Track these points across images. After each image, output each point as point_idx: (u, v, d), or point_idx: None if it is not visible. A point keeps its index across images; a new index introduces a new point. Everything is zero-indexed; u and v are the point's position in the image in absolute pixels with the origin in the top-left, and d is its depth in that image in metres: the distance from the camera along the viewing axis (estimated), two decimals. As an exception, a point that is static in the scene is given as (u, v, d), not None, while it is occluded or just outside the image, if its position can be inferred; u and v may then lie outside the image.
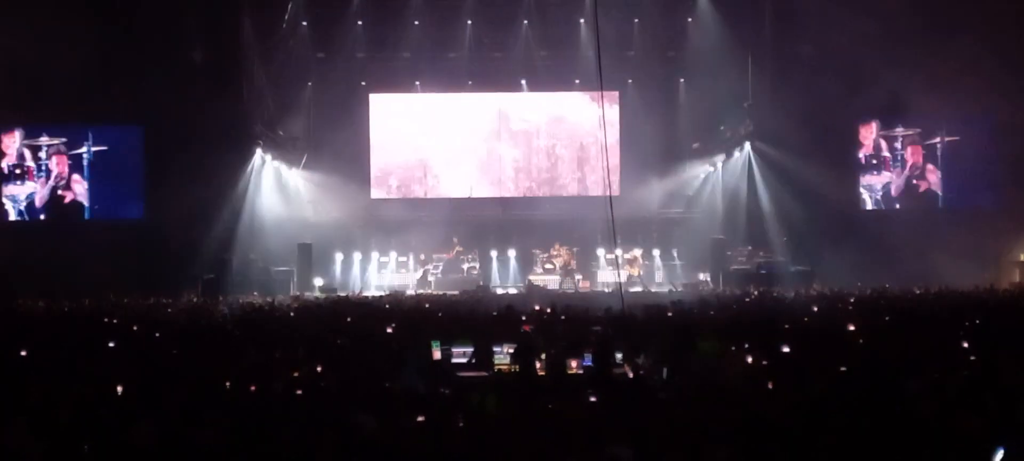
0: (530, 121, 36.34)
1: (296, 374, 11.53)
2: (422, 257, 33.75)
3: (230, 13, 32.06)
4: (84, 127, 32.97)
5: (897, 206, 33.82)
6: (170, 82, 29.70)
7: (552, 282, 32.25)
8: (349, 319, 18.33)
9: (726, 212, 34.79)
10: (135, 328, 17.19)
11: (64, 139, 33.03)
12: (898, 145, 33.83)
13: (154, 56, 30.17)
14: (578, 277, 32.71)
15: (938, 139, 33.74)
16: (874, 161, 33.88)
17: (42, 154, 32.99)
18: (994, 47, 29.55)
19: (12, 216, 32.95)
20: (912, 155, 33.76)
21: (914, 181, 33.79)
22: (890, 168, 33.81)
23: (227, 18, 31.98)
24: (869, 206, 33.95)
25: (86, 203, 33.06)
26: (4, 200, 32.94)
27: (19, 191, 32.94)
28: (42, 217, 32.90)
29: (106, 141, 33.11)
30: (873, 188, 33.96)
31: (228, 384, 10.72)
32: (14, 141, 32.97)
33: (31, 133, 33.05)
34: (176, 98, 29.77)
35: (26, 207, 32.91)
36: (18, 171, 32.97)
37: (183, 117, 30.53)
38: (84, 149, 33.01)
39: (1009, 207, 32.52)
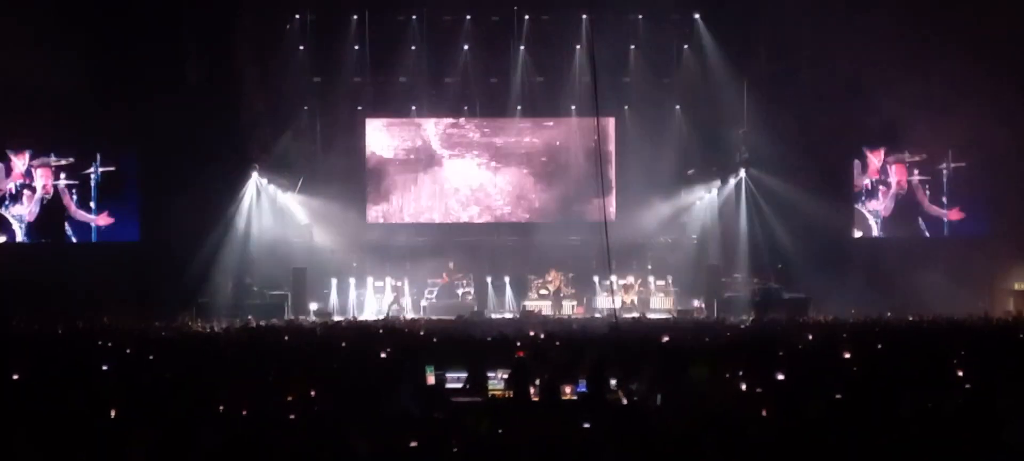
0: (526, 146, 36.32)
1: (290, 397, 11.52)
2: (397, 284, 33.64)
3: (227, 36, 32.06)
4: (91, 148, 32.99)
5: (898, 232, 33.83)
6: (166, 105, 29.70)
7: (547, 308, 32.23)
8: (343, 343, 18.31)
9: (721, 239, 34.76)
10: (128, 351, 17.16)
11: (71, 159, 33.00)
12: (893, 170, 33.88)
13: (150, 78, 30.18)
14: (572, 304, 32.70)
15: (943, 165, 33.80)
16: (880, 187, 33.90)
17: (38, 173, 33.01)
18: (988, 70, 29.67)
19: (19, 237, 32.93)
20: (899, 177, 33.84)
21: (913, 207, 33.83)
22: (893, 193, 33.86)
23: (223, 41, 31.99)
24: (875, 232, 33.94)
25: (93, 224, 33.01)
26: (10, 220, 32.91)
27: (23, 211, 32.92)
28: (42, 240, 32.84)
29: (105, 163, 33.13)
30: (877, 214, 33.99)
31: (222, 407, 10.70)
32: (24, 161, 32.95)
33: (38, 154, 33.03)
34: (172, 121, 29.78)
35: (26, 227, 32.91)
36: (27, 191, 32.93)
37: (179, 140, 30.57)
38: (91, 169, 32.99)
39: (1001, 234, 32.60)
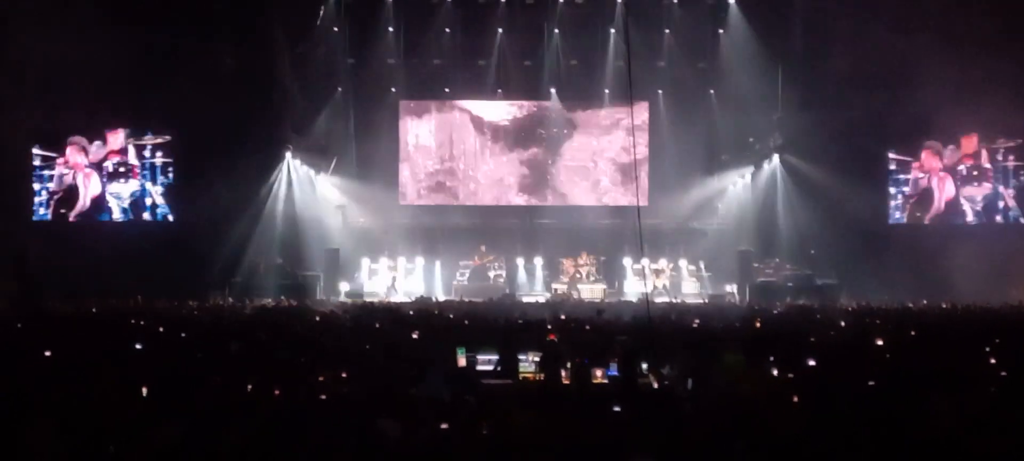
0: (559, 130, 36.27)
1: (321, 379, 11.52)
2: (392, 265, 33.66)
3: (261, 17, 32.12)
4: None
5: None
6: (200, 86, 29.81)
7: (579, 291, 32.17)
8: (377, 325, 18.32)
9: (754, 224, 34.68)
10: (161, 330, 17.23)
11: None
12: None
13: (185, 60, 30.29)
14: (592, 287, 32.54)
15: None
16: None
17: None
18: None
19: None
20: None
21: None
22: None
23: (258, 22, 32.05)
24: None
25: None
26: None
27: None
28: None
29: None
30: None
31: (251, 387, 10.72)
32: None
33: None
34: (206, 102, 29.89)
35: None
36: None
37: (213, 121, 30.68)
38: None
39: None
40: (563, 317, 20.01)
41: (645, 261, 31.03)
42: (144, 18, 30.10)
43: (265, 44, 32.26)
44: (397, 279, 33.31)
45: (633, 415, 9.47)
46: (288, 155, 34.03)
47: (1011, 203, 33.38)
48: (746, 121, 34.60)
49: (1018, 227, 33.03)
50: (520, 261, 34.11)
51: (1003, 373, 11.81)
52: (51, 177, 33.01)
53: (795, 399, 10.43)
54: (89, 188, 33.06)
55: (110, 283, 27.45)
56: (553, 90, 35.56)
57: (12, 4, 29.81)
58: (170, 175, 33.19)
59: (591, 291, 32.25)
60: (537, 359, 13.14)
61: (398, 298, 30.91)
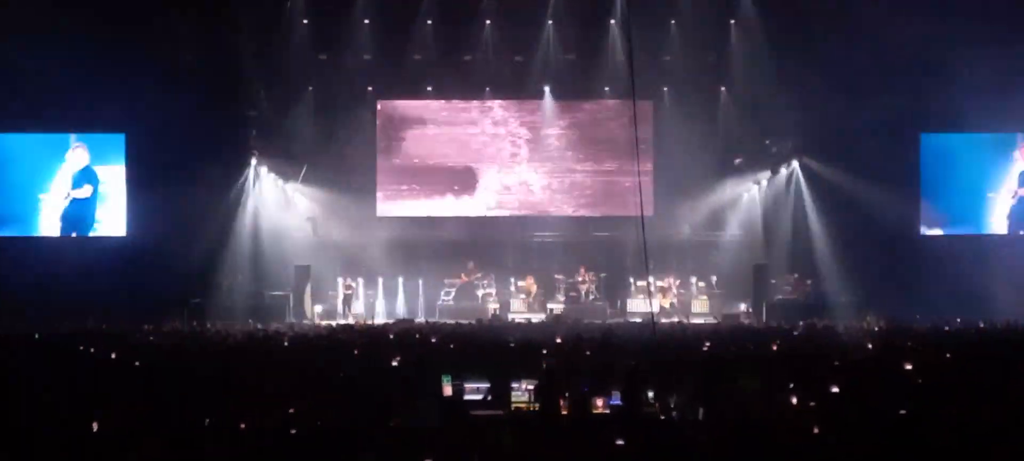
0: (554, 132, 36.26)
1: (292, 411, 11.54)
2: (349, 283, 33.66)
3: (223, 8, 32.06)
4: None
5: None
6: (155, 85, 29.78)
7: (576, 311, 32.11)
8: (354, 351, 18.34)
9: (770, 235, 34.70)
10: (113, 357, 17.23)
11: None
12: None
13: (138, 56, 30.25)
14: (551, 307, 32.66)
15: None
16: None
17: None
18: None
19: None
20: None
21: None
22: None
23: (220, 14, 31.99)
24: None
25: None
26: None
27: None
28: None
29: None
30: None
31: (214, 420, 10.73)
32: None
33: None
34: (162, 102, 29.85)
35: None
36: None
37: (169, 123, 30.65)
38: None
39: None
40: (560, 340, 20.04)
41: (650, 277, 31.04)
42: (91, 10, 30.09)
43: (227, 38, 32.21)
44: (353, 298, 33.29)
45: (638, 448, 9.51)
46: (253, 161, 34.01)
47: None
48: (761, 121, 34.56)
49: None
50: (512, 279, 34.10)
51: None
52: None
53: (816, 430, 10.47)
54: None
55: (52, 305, 27.44)
56: (547, 88, 35.53)
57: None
58: (121, 183, 33.11)
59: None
60: (531, 387, 13.16)
61: (350, 320, 31.08)
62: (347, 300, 33.24)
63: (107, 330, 24.51)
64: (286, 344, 20.40)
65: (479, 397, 13.46)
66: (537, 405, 12.85)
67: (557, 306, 32.72)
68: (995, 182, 33.68)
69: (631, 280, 33.40)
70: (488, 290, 33.72)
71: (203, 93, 31.04)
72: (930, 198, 33.49)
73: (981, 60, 30.02)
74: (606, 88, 35.20)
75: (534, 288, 33.61)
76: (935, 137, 33.60)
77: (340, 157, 35.07)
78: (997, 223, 33.69)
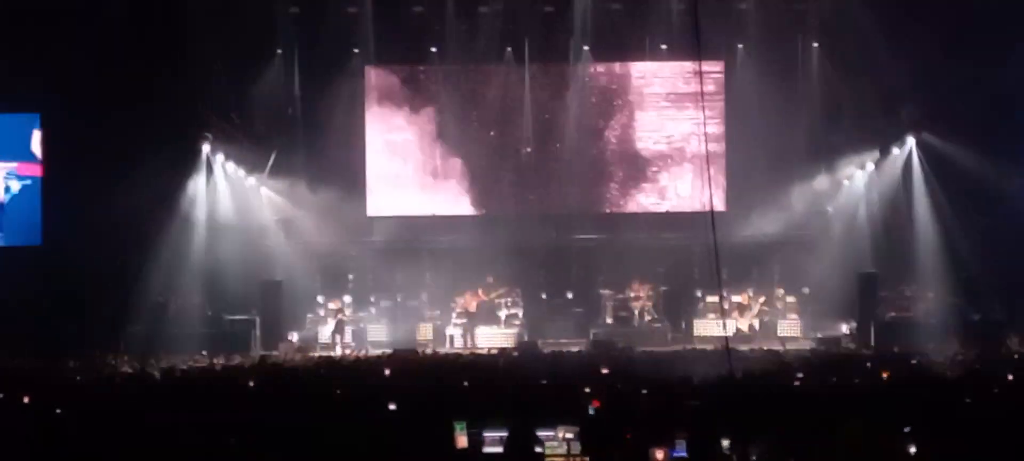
0: (595, 104, 36.28)
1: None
2: (337, 308, 33.69)
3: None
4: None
5: None
6: (79, 49, 29.87)
7: (627, 335, 32.07)
8: (338, 391, 18.41)
9: (879, 236, 34.60)
10: (25, 402, 17.29)
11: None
12: None
13: (58, 15, 30.36)
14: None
15: None
16: None
17: None
18: None
19: None
20: None
21: None
22: None
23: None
24: None
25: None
26: None
27: None
28: None
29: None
30: None
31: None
32: None
33: None
34: (87, 72, 29.94)
35: None
36: None
37: (99, 100, 30.73)
38: None
39: None
40: (606, 371, 20.07)
41: (724, 291, 31.04)
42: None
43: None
44: (345, 324, 33.40)
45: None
46: (206, 147, 34.07)
47: None
48: (867, 86, 34.47)
49: None
50: (544, 295, 34.12)
51: None
52: None
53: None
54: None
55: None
56: (586, 48, 35.58)
57: None
58: (36, 175, 33.27)
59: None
60: (571, 436, 13.19)
61: (341, 350, 31.29)
62: (339, 327, 33.26)
63: (17, 367, 24.59)
64: (252, 384, 20.46)
65: (502, 450, 13.50)
66: (578, 459, 12.89)
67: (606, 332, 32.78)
68: None
69: (699, 295, 33.42)
70: (513, 310, 33.72)
71: (140, 59, 31.09)
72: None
73: None
74: (663, 46, 35.19)
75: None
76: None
77: (319, 140, 35.09)
78: None
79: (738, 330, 31.96)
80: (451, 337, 33.02)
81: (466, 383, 19.43)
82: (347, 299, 33.87)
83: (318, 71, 35.35)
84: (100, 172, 30.98)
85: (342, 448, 12.80)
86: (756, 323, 32.89)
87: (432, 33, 35.52)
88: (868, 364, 23.53)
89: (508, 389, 17.81)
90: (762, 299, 33.59)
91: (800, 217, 35.47)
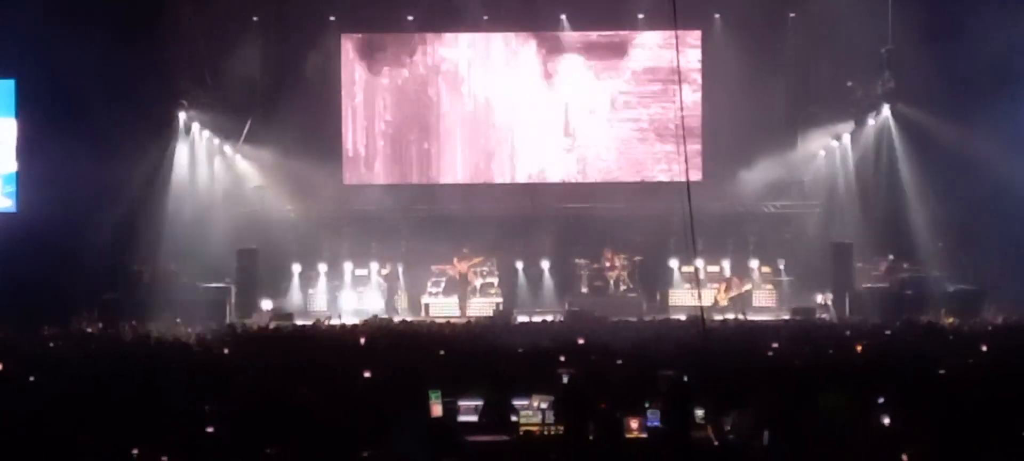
0: (571, 74, 36.27)
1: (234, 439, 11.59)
2: (384, 272, 33.68)
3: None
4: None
5: None
6: (54, 15, 29.76)
7: (602, 306, 32.11)
8: (312, 360, 18.39)
9: (855, 206, 34.63)
10: (1, 369, 17.26)
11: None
12: None
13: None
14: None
15: None
16: None
17: None
18: None
19: None
20: None
21: None
22: None
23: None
24: None
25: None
26: None
27: None
28: None
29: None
30: None
31: (136, 452, 10.77)
32: None
33: None
34: (62, 38, 29.84)
35: None
36: None
37: (72, 68, 30.63)
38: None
39: None
40: (582, 341, 20.08)
41: (699, 261, 31.06)
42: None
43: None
44: (397, 293, 33.48)
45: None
46: (182, 115, 34.01)
47: None
48: (843, 56, 34.49)
49: None
50: (519, 265, 34.14)
51: None
52: None
53: (904, 458, 10.52)
54: None
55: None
56: (563, 16, 35.58)
57: None
58: (10, 144, 33.15)
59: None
60: (545, 405, 13.20)
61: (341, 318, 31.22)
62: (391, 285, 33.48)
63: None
64: (226, 352, 20.45)
65: (477, 419, 13.51)
66: (553, 428, 12.89)
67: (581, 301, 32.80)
68: None
69: (674, 265, 33.44)
70: (489, 280, 33.75)
71: (116, 26, 30.99)
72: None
73: None
74: (639, 14, 35.17)
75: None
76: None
77: (295, 108, 34.99)
78: None
79: (714, 301, 32.01)
80: (427, 306, 33.09)
81: (442, 352, 19.42)
82: (322, 267, 33.89)
83: (294, 39, 35.31)
84: (74, 139, 30.82)
85: (318, 414, 12.80)
86: (731, 295, 32.83)
87: (408, 1, 35.45)
88: (845, 334, 23.60)
89: (483, 358, 17.79)
90: (748, 286, 33.51)
91: (776, 188, 35.51)
